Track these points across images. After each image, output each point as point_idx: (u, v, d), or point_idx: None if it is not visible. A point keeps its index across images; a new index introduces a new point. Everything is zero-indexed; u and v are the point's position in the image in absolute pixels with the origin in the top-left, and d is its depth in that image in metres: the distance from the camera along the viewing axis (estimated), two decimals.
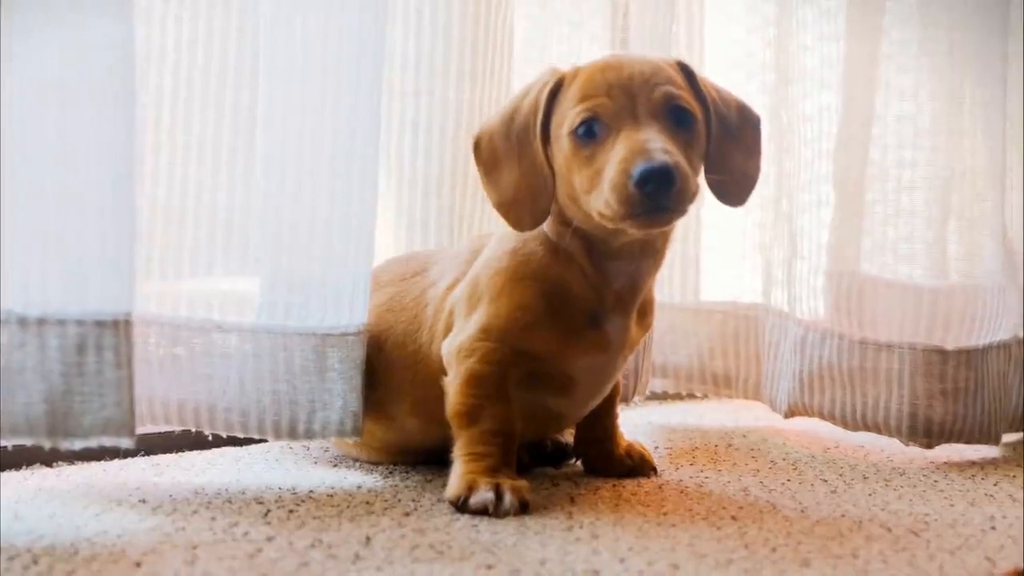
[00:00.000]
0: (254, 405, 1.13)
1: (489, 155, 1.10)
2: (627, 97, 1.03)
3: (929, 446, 1.39)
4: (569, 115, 1.05)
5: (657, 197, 0.98)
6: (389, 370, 1.17)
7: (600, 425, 1.23)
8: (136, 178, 1.09)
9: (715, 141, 1.09)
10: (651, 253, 1.11)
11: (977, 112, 1.44)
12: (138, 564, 0.86)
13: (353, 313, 1.14)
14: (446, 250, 1.25)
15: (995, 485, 1.23)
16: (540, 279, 1.10)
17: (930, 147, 1.43)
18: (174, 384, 1.13)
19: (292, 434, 1.14)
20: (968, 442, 1.39)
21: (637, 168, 0.98)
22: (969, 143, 1.44)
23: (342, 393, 1.14)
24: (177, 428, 1.15)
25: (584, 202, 1.04)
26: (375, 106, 1.14)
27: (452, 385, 1.10)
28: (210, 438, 1.21)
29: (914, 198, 1.43)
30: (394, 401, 1.17)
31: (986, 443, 1.40)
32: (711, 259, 1.64)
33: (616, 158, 1.00)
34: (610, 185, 1.00)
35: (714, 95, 1.11)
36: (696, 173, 1.05)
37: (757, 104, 1.53)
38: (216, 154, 1.15)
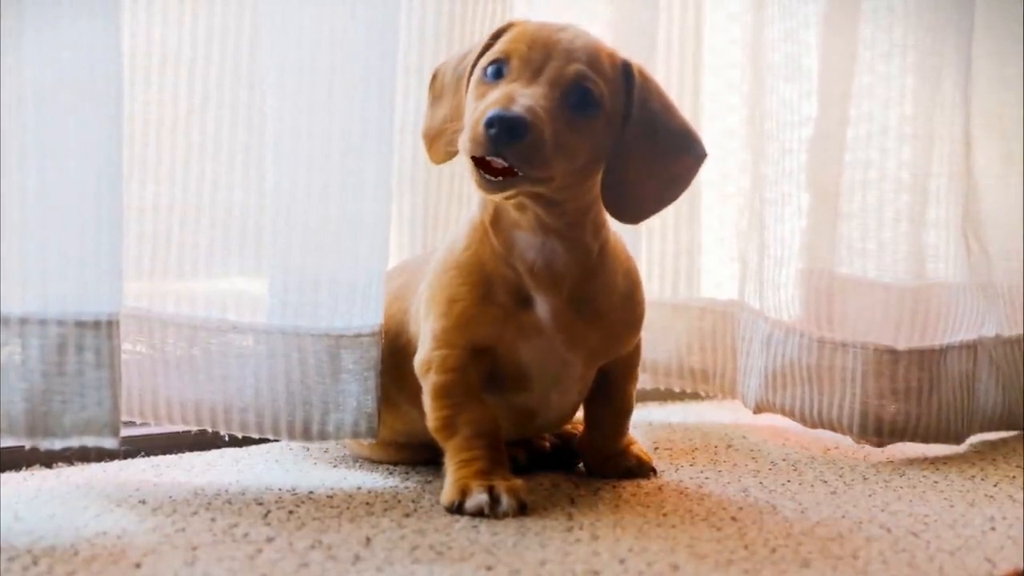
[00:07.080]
0: (269, 406, 1.13)
1: (439, 87, 1.14)
2: (542, 56, 1.03)
3: (880, 444, 1.38)
4: (488, 54, 1.06)
5: (498, 144, 0.98)
6: (391, 357, 1.17)
7: (604, 434, 1.22)
8: (125, 180, 1.08)
9: (624, 146, 1.07)
10: (556, 232, 1.08)
11: (943, 113, 1.44)
12: (138, 564, 0.86)
13: (366, 313, 1.14)
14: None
15: (995, 486, 1.23)
16: (464, 265, 1.10)
17: (899, 148, 1.42)
18: (191, 384, 1.13)
19: (306, 435, 1.14)
20: (924, 441, 1.39)
21: (491, 111, 0.98)
22: (938, 144, 1.44)
23: (356, 394, 1.14)
24: (194, 428, 1.16)
25: None
26: (387, 103, 1.14)
27: (425, 401, 1.10)
28: (214, 436, 1.21)
29: (874, 197, 1.43)
30: (396, 387, 1.17)
31: (945, 443, 1.40)
32: (695, 257, 1.62)
33: (487, 99, 1.01)
34: (470, 121, 1.01)
35: (653, 105, 1.08)
36: (575, 159, 1.03)
37: (743, 103, 1.55)
38: (231, 153, 1.15)
